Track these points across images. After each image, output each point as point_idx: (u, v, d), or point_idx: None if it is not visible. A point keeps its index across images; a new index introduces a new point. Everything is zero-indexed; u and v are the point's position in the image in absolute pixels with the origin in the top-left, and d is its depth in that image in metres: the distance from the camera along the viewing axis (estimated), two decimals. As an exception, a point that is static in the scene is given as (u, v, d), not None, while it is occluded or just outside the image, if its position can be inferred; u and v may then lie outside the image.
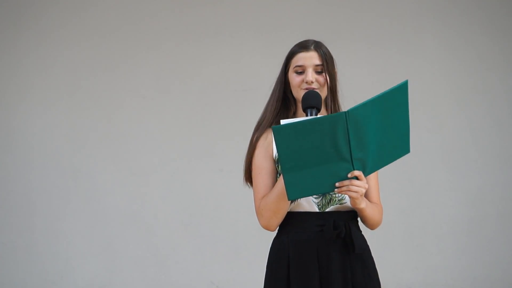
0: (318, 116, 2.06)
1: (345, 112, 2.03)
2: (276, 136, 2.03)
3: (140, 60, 4.64)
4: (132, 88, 4.63)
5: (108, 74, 4.62)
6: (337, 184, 2.16)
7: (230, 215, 4.55)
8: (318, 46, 2.43)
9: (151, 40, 4.65)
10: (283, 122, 2.10)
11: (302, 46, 2.42)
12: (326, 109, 2.47)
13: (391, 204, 4.55)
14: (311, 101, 2.31)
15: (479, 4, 4.72)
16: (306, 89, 2.38)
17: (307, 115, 2.29)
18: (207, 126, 4.62)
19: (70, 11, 4.64)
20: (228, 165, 4.53)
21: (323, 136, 2.05)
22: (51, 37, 4.63)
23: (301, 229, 2.36)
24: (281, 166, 2.08)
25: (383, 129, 2.12)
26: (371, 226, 2.44)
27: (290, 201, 2.32)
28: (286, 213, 2.34)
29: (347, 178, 2.16)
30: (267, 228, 2.37)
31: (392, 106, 2.12)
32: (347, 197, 2.36)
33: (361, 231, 2.44)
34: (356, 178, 2.16)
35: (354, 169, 2.14)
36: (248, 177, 2.45)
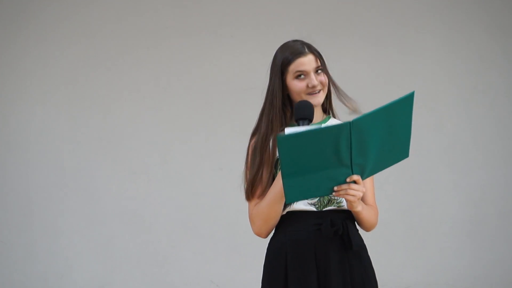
0: (323, 126, 2.07)
1: (349, 122, 2.04)
2: (280, 145, 2.04)
3: (140, 59, 4.64)
4: (132, 87, 4.64)
5: (107, 73, 4.63)
6: (335, 188, 2.17)
7: (230, 215, 4.55)
8: (310, 48, 2.44)
9: (151, 39, 4.65)
10: (287, 131, 2.10)
11: (297, 52, 2.41)
12: (323, 109, 2.49)
13: (392, 204, 4.56)
14: (305, 112, 2.31)
15: (480, 3, 4.73)
16: (310, 93, 2.39)
17: (298, 125, 2.30)
18: (207, 125, 4.62)
19: (69, 10, 4.65)
20: (227, 165, 4.53)
21: (326, 144, 2.06)
22: (50, 35, 4.63)
23: (298, 228, 2.37)
24: (282, 171, 2.09)
25: (385, 137, 2.13)
26: (367, 229, 2.46)
27: (281, 211, 2.35)
28: (276, 222, 2.38)
29: (346, 182, 2.17)
30: (258, 235, 2.42)
31: (397, 115, 2.12)
32: (344, 199, 2.38)
33: (358, 230, 2.45)
34: (354, 182, 2.18)
35: (353, 174, 2.15)
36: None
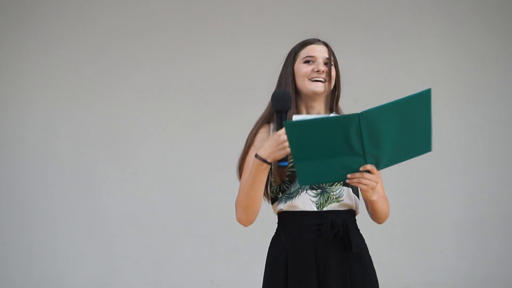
0: (331, 115, 2.08)
1: (358, 114, 2.05)
2: (288, 131, 2.06)
3: (140, 59, 4.64)
4: (132, 87, 4.63)
5: (108, 73, 4.63)
6: (348, 176, 2.18)
7: (230, 215, 4.51)
8: (325, 42, 2.48)
9: (151, 39, 4.65)
10: (295, 117, 2.14)
11: (311, 41, 2.46)
12: (325, 106, 2.48)
13: (391, 204, 4.54)
14: (279, 104, 2.27)
15: (481, 3, 4.72)
16: (315, 78, 2.40)
17: (277, 120, 2.28)
18: (207, 125, 4.62)
19: (69, 9, 4.64)
20: (228, 165, 4.49)
21: (335, 133, 2.07)
22: (50, 34, 4.63)
23: (299, 228, 2.37)
24: (293, 155, 2.10)
25: (401, 131, 2.13)
26: (380, 220, 2.45)
27: (259, 200, 2.33)
28: (255, 211, 2.37)
29: (359, 171, 2.17)
30: (240, 223, 2.42)
31: (412, 111, 2.12)
32: (344, 194, 2.39)
33: (359, 230, 2.45)
34: (368, 171, 2.18)
35: (366, 163, 2.15)
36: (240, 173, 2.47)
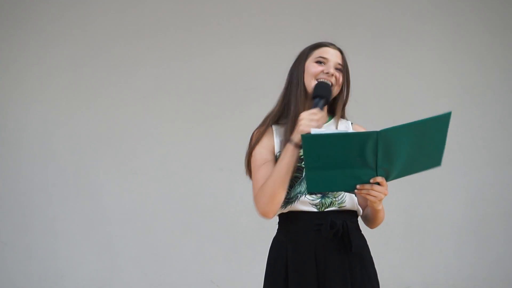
0: (349, 131, 2.09)
1: (376, 132, 2.05)
2: (305, 143, 2.07)
3: (140, 59, 4.64)
4: (132, 87, 4.63)
5: (107, 73, 4.62)
6: (358, 187, 2.19)
7: (230, 215, 4.55)
8: (340, 50, 2.48)
9: (151, 39, 4.65)
10: (313, 131, 2.14)
11: (326, 43, 2.46)
12: (329, 109, 2.49)
13: (392, 204, 4.54)
14: (322, 91, 2.34)
15: (481, 3, 4.72)
16: (321, 79, 2.40)
17: (314, 103, 2.32)
18: (207, 125, 4.62)
19: (69, 9, 4.64)
20: (228, 165, 4.53)
21: (351, 148, 2.08)
22: (50, 35, 4.63)
23: (299, 228, 2.38)
24: (305, 165, 2.11)
25: (415, 148, 2.15)
26: (375, 226, 2.47)
27: (286, 188, 2.32)
28: (282, 200, 2.34)
29: (369, 182, 2.18)
30: (263, 214, 2.36)
31: (430, 131, 2.16)
32: (346, 200, 2.39)
33: (360, 230, 2.45)
34: (378, 183, 2.19)
35: (377, 175, 2.17)
36: (249, 167, 2.46)
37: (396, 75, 4.67)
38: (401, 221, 4.58)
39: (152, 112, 4.63)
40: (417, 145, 2.14)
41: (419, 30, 4.70)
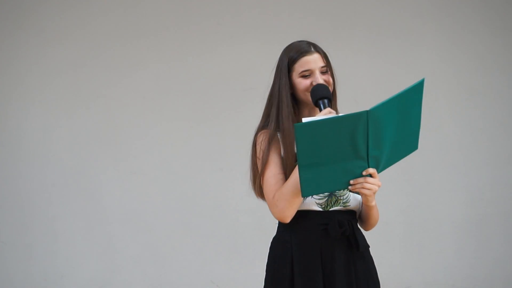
0: (340, 114, 2.08)
1: (366, 111, 2.05)
2: (298, 133, 2.04)
3: (140, 60, 4.64)
4: (132, 88, 4.63)
5: (108, 73, 4.62)
6: (351, 182, 2.18)
7: (230, 215, 4.55)
8: (316, 47, 2.44)
9: (151, 40, 4.65)
10: (305, 120, 2.12)
11: (303, 50, 2.42)
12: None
13: (391, 204, 4.56)
14: (322, 92, 2.33)
15: (481, 3, 4.72)
16: None
17: (319, 107, 2.31)
18: (207, 125, 4.62)
19: (69, 9, 4.64)
20: (228, 165, 4.53)
21: (343, 134, 2.07)
22: (50, 35, 4.62)
23: (304, 228, 2.37)
24: (299, 163, 2.10)
25: (398, 128, 2.15)
26: (370, 226, 2.47)
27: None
28: (300, 203, 2.33)
29: (361, 176, 2.18)
30: (281, 218, 2.34)
31: (408, 104, 2.15)
32: (351, 200, 2.39)
33: (360, 230, 2.46)
34: (370, 175, 2.18)
35: (369, 167, 2.16)
36: (255, 177, 2.43)
37: (396, 75, 4.67)
38: (401, 221, 4.58)
39: (152, 112, 4.63)
40: (400, 124, 2.14)
41: (419, 30, 4.71)
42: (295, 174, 2.26)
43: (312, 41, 2.47)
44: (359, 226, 2.47)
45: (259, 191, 2.44)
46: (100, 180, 4.57)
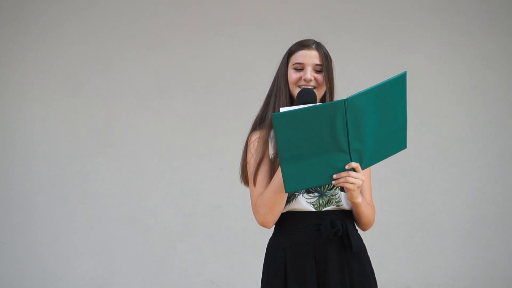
0: (318, 104, 2.07)
1: (344, 100, 2.04)
2: (276, 123, 2.03)
3: (140, 60, 4.64)
4: (132, 87, 4.63)
5: (108, 73, 4.63)
6: (334, 176, 2.17)
7: (230, 215, 4.55)
8: (319, 46, 2.45)
9: (151, 39, 4.65)
10: (282, 109, 2.11)
11: (303, 45, 2.45)
12: None
13: (392, 204, 4.56)
14: (306, 98, 2.32)
15: (480, 3, 4.72)
16: (302, 86, 2.40)
17: None
18: (207, 125, 4.62)
19: (69, 11, 4.65)
20: (228, 164, 4.53)
21: (322, 124, 2.05)
22: (51, 36, 4.63)
23: (297, 228, 2.37)
24: (280, 155, 2.08)
25: (381, 122, 2.13)
26: (365, 226, 2.45)
27: (286, 198, 2.31)
28: (281, 210, 2.34)
29: (345, 170, 2.16)
30: (263, 224, 2.36)
31: (391, 97, 2.13)
32: (343, 199, 2.39)
33: (357, 230, 2.45)
34: (353, 170, 2.17)
35: (351, 161, 2.15)
36: (245, 175, 2.46)
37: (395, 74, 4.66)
38: (401, 221, 4.58)
39: (152, 112, 4.63)
40: (381, 117, 2.12)
41: (419, 30, 4.70)
42: (275, 180, 2.28)
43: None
44: (356, 226, 2.46)
45: (245, 180, 2.45)
46: (99, 180, 4.57)
